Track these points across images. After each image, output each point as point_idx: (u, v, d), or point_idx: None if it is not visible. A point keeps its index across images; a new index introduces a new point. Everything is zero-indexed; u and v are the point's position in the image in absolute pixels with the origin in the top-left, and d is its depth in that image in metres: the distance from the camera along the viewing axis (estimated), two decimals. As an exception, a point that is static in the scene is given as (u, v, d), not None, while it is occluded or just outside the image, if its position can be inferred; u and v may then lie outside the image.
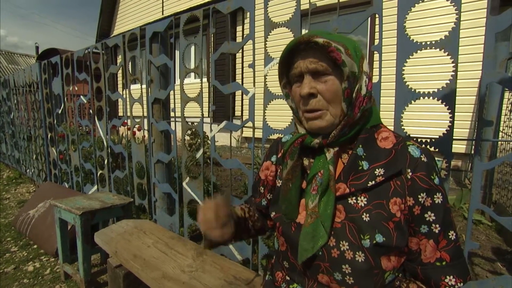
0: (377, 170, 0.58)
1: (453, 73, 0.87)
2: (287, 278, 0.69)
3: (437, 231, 0.57)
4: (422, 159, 0.58)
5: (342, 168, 0.63)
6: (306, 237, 0.61)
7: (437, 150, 0.93)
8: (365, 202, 0.59)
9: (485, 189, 2.79)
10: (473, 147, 3.82)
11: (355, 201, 0.60)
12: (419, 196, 0.57)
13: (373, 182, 0.58)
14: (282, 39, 3.88)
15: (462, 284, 0.58)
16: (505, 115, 2.95)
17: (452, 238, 0.59)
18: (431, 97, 0.92)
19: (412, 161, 0.58)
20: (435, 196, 0.57)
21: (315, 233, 0.60)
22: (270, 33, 1.33)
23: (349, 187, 0.60)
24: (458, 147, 3.80)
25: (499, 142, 3.03)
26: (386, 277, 0.59)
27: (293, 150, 0.64)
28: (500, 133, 2.96)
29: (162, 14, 7.79)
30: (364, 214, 0.58)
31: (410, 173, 0.57)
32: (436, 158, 0.61)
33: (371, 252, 0.57)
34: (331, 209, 0.59)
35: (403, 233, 0.58)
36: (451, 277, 0.58)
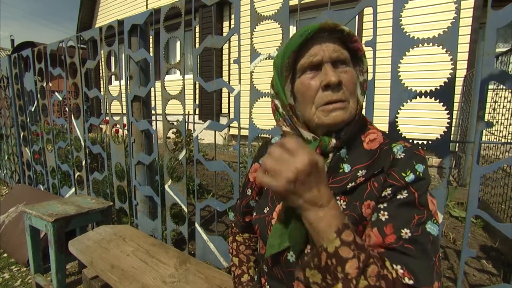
0: (360, 171, 0.54)
1: (452, 71, 0.82)
2: (267, 285, 0.66)
3: (383, 219, 0.49)
4: (399, 156, 0.51)
5: None
6: (275, 234, 0.57)
7: (434, 154, 0.87)
8: (344, 207, 0.54)
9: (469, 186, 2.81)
10: (457, 147, 3.90)
11: None
12: (385, 192, 0.51)
13: (353, 183, 0.53)
14: (269, 35, 3.80)
15: (413, 282, 0.43)
16: (489, 113, 2.99)
17: (405, 237, 0.46)
18: (428, 96, 0.86)
19: (393, 160, 0.52)
20: (399, 192, 0.49)
21: (284, 231, 0.55)
22: (256, 27, 1.24)
23: None
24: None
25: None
26: None
27: None
28: (484, 131, 3.00)
29: (146, 8, 7.55)
30: None
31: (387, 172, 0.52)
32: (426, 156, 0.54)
33: None
34: None
35: None
36: (399, 266, 0.45)
